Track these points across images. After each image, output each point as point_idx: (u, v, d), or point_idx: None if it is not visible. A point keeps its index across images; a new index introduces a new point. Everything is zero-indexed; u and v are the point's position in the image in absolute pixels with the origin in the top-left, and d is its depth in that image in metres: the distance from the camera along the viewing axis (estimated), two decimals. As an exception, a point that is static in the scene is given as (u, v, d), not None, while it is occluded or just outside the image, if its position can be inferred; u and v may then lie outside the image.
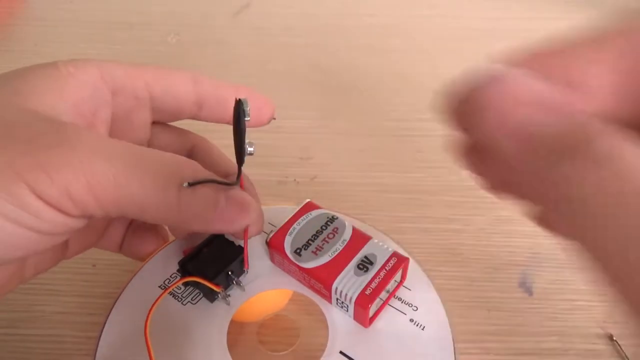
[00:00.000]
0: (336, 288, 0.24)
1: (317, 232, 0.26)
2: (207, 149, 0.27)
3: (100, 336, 0.24)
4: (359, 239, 0.26)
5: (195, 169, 0.21)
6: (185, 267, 0.25)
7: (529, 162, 0.14)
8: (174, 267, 0.26)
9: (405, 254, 0.26)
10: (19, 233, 0.18)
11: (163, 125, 0.26)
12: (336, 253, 0.25)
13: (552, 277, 0.31)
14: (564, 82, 0.15)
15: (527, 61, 0.16)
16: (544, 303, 0.30)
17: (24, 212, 0.17)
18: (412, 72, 0.46)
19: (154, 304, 0.22)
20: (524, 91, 0.14)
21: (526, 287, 0.31)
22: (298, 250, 0.25)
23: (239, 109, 0.21)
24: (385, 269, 0.25)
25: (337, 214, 0.27)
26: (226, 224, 0.22)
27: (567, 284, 0.31)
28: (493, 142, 0.14)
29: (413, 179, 0.37)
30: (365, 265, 0.25)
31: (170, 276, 0.27)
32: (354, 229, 0.26)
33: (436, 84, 0.47)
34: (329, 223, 0.27)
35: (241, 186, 0.23)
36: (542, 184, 0.13)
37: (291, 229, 0.26)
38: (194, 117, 0.25)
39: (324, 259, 0.25)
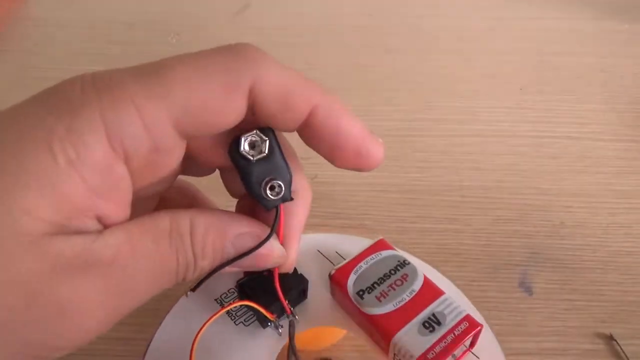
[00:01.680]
0: (396, 343, 0.22)
1: (384, 276, 0.24)
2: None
3: (151, 340, 0.24)
4: (430, 292, 0.24)
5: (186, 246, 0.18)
6: (243, 290, 0.23)
7: None
8: (233, 281, 0.25)
9: (481, 319, 0.24)
10: None
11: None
12: (402, 303, 0.23)
13: (552, 277, 0.31)
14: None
15: None
16: (544, 303, 0.30)
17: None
18: (412, 72, 0.46)
19: (208, 320, 0.21)
20: None
21: (526, 287, 0.31)
22: (361, 292, 0.23)
23: (236, 149, 0.18)
24: (454, 333, 0.22)
25: (409, 259, 0.25)
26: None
27: (567, 284, 0.31)
28: None
29: (413, 179, 0.37)
30: (432, 324, 0.23)
31: (228, 291, 0.25)
32: (425, 280, 0.24)
33: (436, 84, 0.48)
34: (399, 267, 0.24)
35: (280, 223, 0.20)
36: None
37: (357, 266, 0.24)
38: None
39: (388, 307, 0.23)
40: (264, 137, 0.18)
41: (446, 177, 0.37)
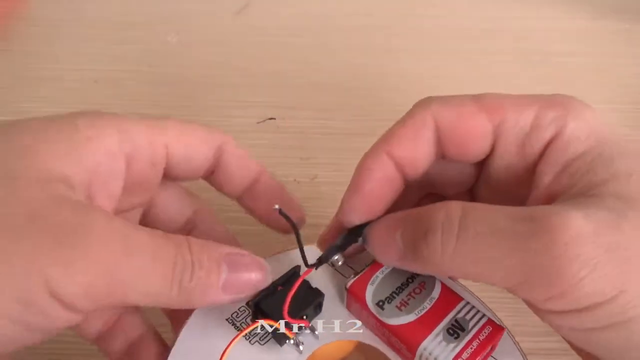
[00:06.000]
0: (422, 353, 0.22)
1: (402, 285, 0.24)
2: (207, 218, 0.26)
3: None
4: (449, 298, 0.23)
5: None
6: (259, 308, 0.22)
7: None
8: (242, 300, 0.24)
9: (500, 322, 0.24)
10: (17, 330, 0.18)
11: (170, 183, 0.25)
12: (423, 312, 0.23)
13: (552, 277, 0.31)
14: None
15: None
16: (544, 303, 0.30)
17: (31, 312, 0.17)
18: (412, 72, 0.46)
19: (228, 345, 0.20)
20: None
21: (526, 287, 0.30)
22: (380, 303, 0.23)
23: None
24: (479, 339, 0.22)
25: None
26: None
27: (567, 284, 0.31)
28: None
29: (413, 179, 0.37)
30: (455, 330, 0.22)
31: (238, 310, 0.24)
32: (443, 287, 0.24)
33: (436, 83, 0.47)
34: (415, 275, 0.24)
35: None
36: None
37: (374, 277, 0.24)
38: (204, 179, 0.25)
39: (410, 317, 0.23)
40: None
41: (446, 177, 0.37)
